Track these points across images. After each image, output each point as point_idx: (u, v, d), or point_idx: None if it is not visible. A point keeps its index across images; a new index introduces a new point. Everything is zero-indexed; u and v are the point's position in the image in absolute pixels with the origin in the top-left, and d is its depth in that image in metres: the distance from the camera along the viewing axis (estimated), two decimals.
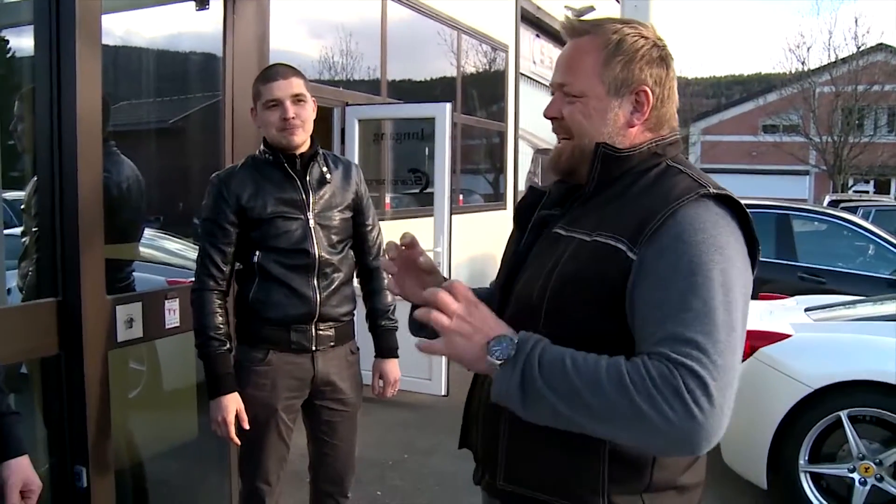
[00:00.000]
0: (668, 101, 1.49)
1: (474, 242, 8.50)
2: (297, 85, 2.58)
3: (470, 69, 9.25)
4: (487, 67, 9.77)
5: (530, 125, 10.99)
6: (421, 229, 6.33)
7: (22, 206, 3.21)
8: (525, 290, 1.48)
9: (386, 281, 2.85)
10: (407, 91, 7.80)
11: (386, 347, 2.86)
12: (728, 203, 1.37)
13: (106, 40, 2.88)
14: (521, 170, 10.57)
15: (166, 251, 4.61)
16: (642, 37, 1.46)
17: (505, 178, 10.04)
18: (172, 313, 2.97)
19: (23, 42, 4.11)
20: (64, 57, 2.63)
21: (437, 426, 5.24)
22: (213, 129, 4.48)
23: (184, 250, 4.56)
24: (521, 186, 10.70)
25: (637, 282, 1.32)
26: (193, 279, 2.62)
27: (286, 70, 2.62)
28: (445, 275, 5.73)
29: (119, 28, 3.99)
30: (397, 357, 2.88)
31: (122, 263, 3.24)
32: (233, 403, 2.54)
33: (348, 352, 2.76)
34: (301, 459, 2.83)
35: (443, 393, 5.74)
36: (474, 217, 8.88)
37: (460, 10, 8.46)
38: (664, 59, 1.48)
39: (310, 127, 2.63)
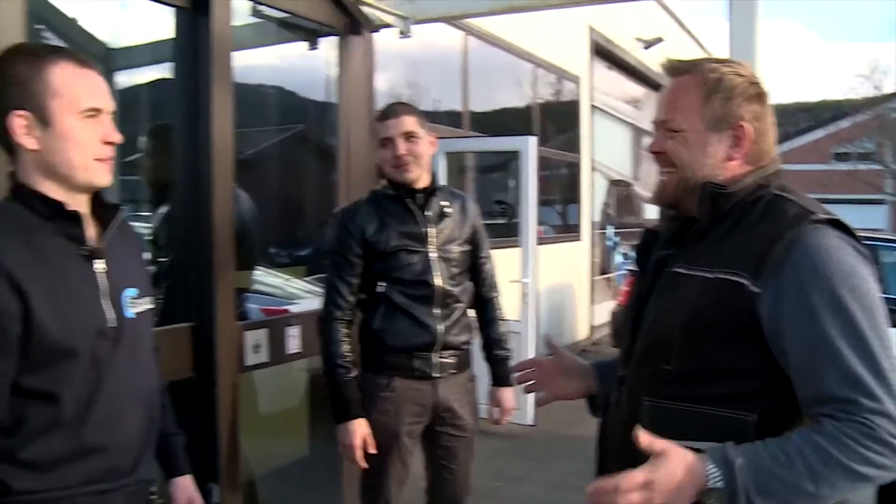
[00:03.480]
0: (766, 136, 1.56)
1: (552, 273, 8.55)
2: (408, 122, 2.69)
3: (545, 101, 9.36)
4: (561, 99, 9.88)
5: (604, 156, 11.03)
6: (506, 260, 6.42)
7: (149, 237, 3.38)
8: (653, 330, 1.55)
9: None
10: (486, 123, 7.93)
11: (501, 376, 2.92)
12: (839, 227, 1.43)
13: None
14: (595, 201, 10.62)
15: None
16: (739, 75, 1.54)
17: (579, 210, 10.07)
18: (294, 339, 3.10)
19: (140, 79, 4.34)
20: (201, 91, 2.79)
21: (527, 454, 5.32)
22: (289, 161, 4.59)
23: (262, 276, 4.69)
24: (596, 217, 10.72)
25: (777, 319, 1.37)
26: (321, 308, 2.75)
27: (398, 108, 2.74)
28: (531, 305, 5.81)
29: None
30: (511, 385, 2.95)
31: (239, 292, 3.39)
32: (360, 428, 2.64)
33: (467, 379, 2.84)
34: (412, 483, 2.91)
35: (530, 422, 5.79)
36: (551, 248, 8.93)
37: (535, 44, 8.59)
38: (760, 96, 1.55)
39: (425, 162, 2.74)
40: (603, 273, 11.17)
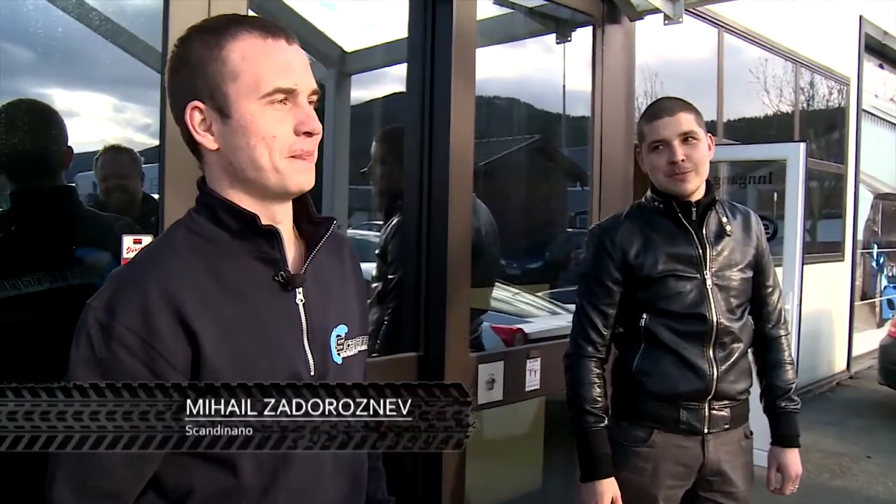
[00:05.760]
0: None
1: (807, 296, 7.63)
2: (686, 121, 2.21)
3: (807, 105, 8.42)
4: (826, 104, 8.85)
5: (870, 166, 9.81)
6: None
7: (377, 251, 3.13)
8: None
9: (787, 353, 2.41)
10: (741, 130, 7.18)
11: (786, 434, 2.38)
12: None
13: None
14: (860, 217, 9.45)
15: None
16: None
17: (843, 226, 8.98)
18: (533, 374, 2.73)
19: (374, 85, 4.17)
20: (439, 89, 2.48)
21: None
22: (522, 172, 4.28)
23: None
24: (860, 235, 9.55)
25: None
26: (569, 342, 2.33)
27: (673, 104, 2.26)
28: (794, 333, 5.11)
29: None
30: (799, 446, 2.40)
31: (474, 314, 3.06)
32: (609, 490, 2.20)
33: (742, 436, 2.33)
34: None
35: None
36: (808, 268, 7.98)
37: (798, 41, 7.71)
38: None
39: (704, 170, 2.25)
40: (865, 298, 9.96)
